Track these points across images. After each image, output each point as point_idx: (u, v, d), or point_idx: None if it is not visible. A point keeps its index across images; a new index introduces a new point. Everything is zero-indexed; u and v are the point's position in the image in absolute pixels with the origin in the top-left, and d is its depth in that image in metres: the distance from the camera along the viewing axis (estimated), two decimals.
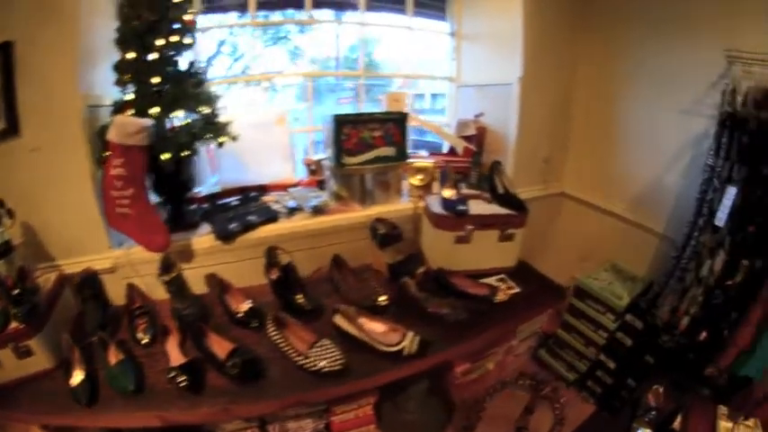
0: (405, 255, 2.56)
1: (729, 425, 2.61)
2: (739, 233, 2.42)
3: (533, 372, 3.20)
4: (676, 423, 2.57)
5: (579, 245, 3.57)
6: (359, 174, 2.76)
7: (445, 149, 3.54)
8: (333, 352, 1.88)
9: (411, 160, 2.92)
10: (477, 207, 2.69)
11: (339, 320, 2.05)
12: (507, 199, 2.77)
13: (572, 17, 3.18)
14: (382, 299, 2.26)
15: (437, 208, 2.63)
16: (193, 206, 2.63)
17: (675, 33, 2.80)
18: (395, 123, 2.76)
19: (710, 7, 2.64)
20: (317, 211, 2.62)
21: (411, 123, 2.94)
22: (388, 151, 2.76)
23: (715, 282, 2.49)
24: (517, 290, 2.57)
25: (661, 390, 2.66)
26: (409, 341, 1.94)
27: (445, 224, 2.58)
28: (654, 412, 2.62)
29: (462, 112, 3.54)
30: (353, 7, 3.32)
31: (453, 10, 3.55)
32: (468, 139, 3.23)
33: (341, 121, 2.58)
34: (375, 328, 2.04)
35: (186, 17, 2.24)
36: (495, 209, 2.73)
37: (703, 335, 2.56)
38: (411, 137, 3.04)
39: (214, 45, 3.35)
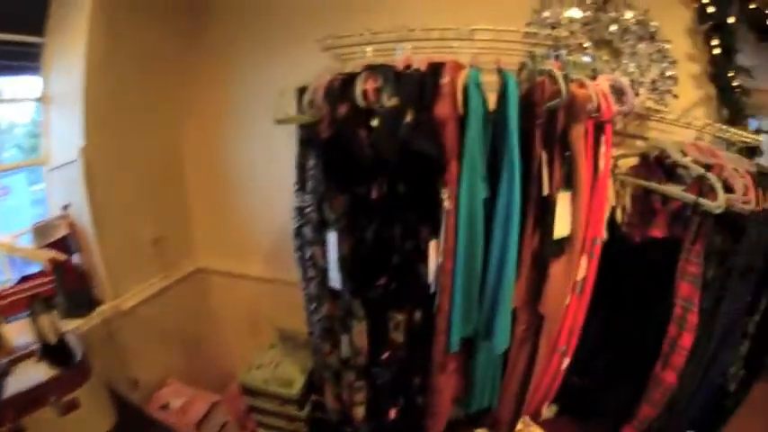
0: None
1: None
2: (370, 290, 0.84)
3: None
4: None
5: (245, 318, 1.80)
6: None
7: None
8: None
9: None
10: (23, 374, 1.03)
11: None
12: (55, 350, 1.09)
13: (171, 66, 1.48)
14: None
15: None
16: None
17: (283, 60, 1.36)
18: None
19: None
20: None
21: None
22: None
23: (368, 359, 0.91)
24: None
25: None
26: None
27: None
28: None
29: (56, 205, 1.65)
30: None
31: (44, 64, 1.40)
32: (58, 243, 1.46)
33: None
34: None
35: None
36: (37, 374, 1.01)
37: (392, 413, 1.00)
38: None
39: None
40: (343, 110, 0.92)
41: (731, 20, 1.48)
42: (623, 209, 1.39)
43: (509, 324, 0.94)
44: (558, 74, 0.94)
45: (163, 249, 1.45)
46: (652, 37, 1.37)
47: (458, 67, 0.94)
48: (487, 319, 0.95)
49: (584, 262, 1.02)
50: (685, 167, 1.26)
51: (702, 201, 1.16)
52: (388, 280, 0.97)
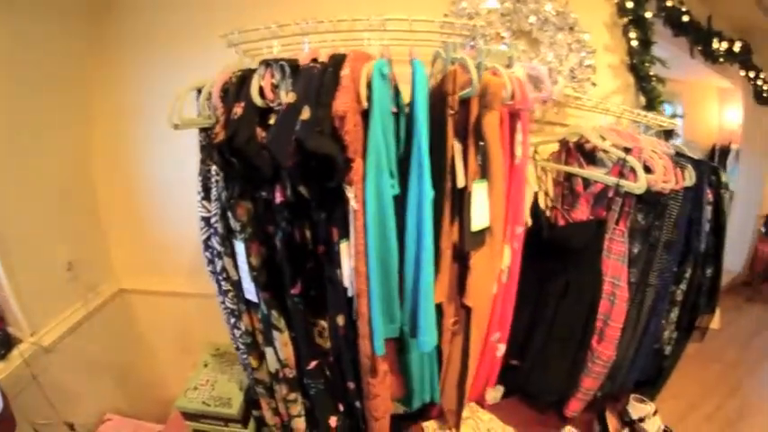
0: None
1: None
2: (286, 299, 0.68)
3: None
4: None
5: (175, 338, 1.51)
6: None
7: None
8: None
9: None
10: None
11: None
12: None
13: (73, 74, 1.20)
14: None
15: None
16: None
17: (194, 58, 1.09)
18: None
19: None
20: None
21: None
22: None
23: (297, 370, 0.76)
24: None
25: None
26: None
27: None
28: None
29: None
30: None
31: None
32: None
33: None
34: None
35: None
36: None
37: (332, 421, 0.84)
38: None
39: None
40: (239, 109, 0.77)
41: (648, 14, 1.45)
42: (546, 194, 1.31)
43: (434, 322, 0.83)
44: (470, 62, 0.82)
45: (79, 273, 1.21)
46: (571, 28, 1.31)
47: (362, 57, 0.82)
48: (411, 319, 0.84)
49: (507, 251, 0.92)
50: (605, 151, 1.19)
51: (624, 182, 1.10)
52: (303, 287, 0.83)
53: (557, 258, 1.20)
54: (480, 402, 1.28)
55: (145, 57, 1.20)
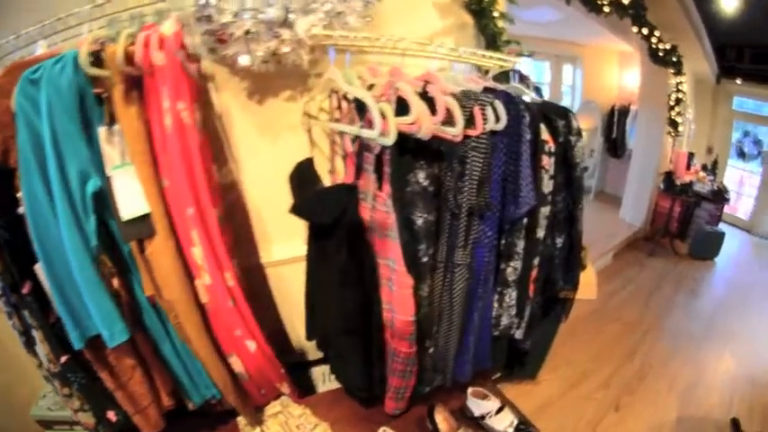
0: None
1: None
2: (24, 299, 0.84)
3: None
4: None
5: None
6: None
7: None
8: None
9: None
10: None
11: None
12: None
13: None
14: None
15: None
16: None
17: None
18: None
19: None
20: None
21: None
22: None
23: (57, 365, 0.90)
24: None
25: None
26: None
27: None
28: None
29: None
30: None
31: None
32: None
33: None
34: None
35: None
36: None
37: (111, 415, 1.00)
38: None
39: None
40: None
41: None
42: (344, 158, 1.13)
43: (110, 314, 0.84)
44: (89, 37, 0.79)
45: None
46: None
47: (21, 66, 0.84)
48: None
49: (195, 236, 0.85)
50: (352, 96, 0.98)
51: (364, 131, 0.89)
52: (32, 287, 0.92)
53: (331, 238, 1.05)
54: (294, 397, 1.17)
55: None
